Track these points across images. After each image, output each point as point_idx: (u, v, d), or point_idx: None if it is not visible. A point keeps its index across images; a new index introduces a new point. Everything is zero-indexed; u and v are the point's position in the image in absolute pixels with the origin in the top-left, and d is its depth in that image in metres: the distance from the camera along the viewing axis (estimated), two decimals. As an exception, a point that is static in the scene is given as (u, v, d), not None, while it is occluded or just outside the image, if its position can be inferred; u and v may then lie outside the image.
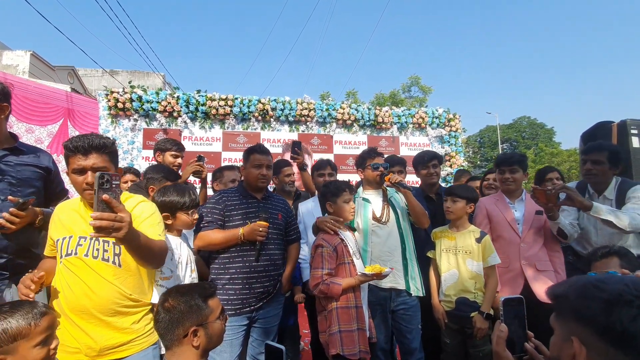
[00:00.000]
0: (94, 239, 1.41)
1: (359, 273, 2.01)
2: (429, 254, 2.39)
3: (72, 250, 1.42)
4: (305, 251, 2.63)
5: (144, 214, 1.51)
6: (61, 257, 1.43)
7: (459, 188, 2.35)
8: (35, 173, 1.79)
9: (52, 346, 1.16)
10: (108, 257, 1.42)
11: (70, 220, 1.47)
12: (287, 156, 5.41)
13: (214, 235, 2.04)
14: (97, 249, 1.42)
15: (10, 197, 1.59)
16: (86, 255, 1.41)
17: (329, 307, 1.97)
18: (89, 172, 1.37)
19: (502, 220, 2.39)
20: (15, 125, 4.64)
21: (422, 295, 2.27)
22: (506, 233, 2.36)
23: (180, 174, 2.88)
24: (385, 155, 2.66)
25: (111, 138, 1.55)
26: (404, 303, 2.23)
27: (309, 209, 2.70)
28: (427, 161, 2.75)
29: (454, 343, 2.23)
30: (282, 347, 1.16)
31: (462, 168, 5.46)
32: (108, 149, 1.42)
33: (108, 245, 1.43)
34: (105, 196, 1.17)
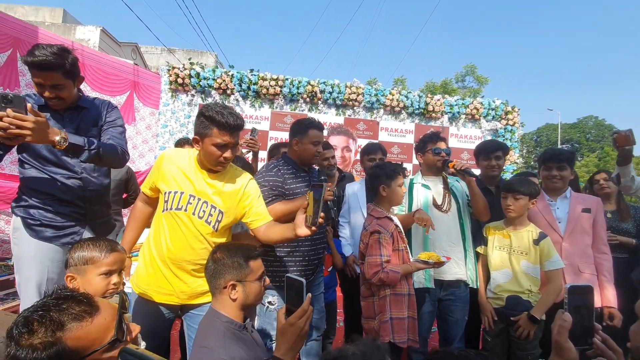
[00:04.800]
0: (201, 200, 1.61)
1: (412, 259, 1.98)
2: (479, 250, 2.26)
3: (182, 206, 1.59)
4: (347, 230, 2.69)
5: (256, 192, 1.74)
6: (169, 208, 1.59)
7: (519, 183, 2.14)
8: (94, 129, 1.81)
9: (113, 281, 1.32)
10: (210, 220, 1.62)
11: (180, 177, 1.62)
12: (333, 140, 5.50)
13: (281, 207, 1.95)
14: (204, 211, 1.61)
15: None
16: (194, 213, 1.60)
17: (381, 294, 1.93)
18: (230, 150, 1.56)
19: (541, 219, 2.23)
20: (89, 95, 5.09)
21: (476, 287, 2.21)
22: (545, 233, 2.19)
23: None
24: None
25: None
26: (453, 294, 2.18)
27: (354, 191, 2.71)
28: (490, 151, 2.53)
29: (496, 342, 2.12)
30: (303, 279, 1.12)
31: (526, 171, 5.08)
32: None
33: (214, 211, 1.62)
34: None
